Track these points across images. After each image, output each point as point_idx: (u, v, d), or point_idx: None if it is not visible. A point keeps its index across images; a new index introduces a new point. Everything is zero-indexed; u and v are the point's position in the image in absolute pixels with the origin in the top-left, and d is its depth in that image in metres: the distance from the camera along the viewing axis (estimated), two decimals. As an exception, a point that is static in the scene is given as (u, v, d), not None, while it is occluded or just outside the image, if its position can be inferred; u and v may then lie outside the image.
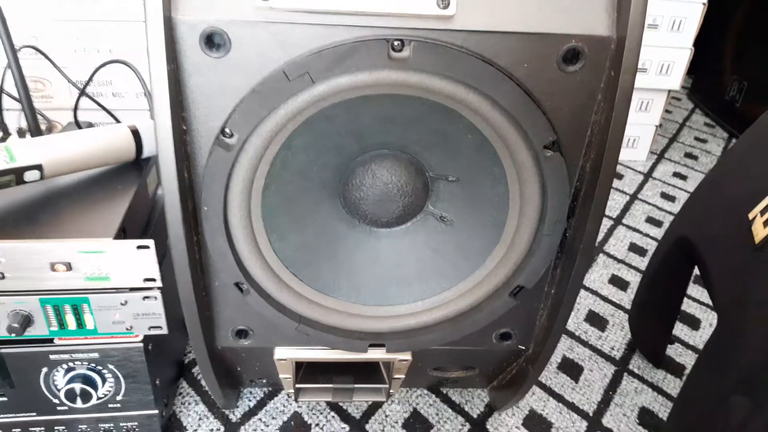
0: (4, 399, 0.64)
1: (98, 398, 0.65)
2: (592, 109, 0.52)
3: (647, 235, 1.23)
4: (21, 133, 0.79)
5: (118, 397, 0.66)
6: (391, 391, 0.71)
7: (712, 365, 0.64)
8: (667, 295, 0.86)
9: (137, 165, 0.70)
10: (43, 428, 0.67)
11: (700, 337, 0.96)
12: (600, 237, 1.21)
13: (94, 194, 0.64)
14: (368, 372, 0.71)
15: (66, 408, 0.66)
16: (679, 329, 0.98)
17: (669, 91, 1.42)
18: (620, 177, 1.45)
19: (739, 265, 0.62)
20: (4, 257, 0.56)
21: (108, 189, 0.65)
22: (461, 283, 0.61)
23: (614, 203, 1.34)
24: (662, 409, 0.83)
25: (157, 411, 0.68)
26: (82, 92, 0.85)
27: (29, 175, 0.59)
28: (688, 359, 0.92)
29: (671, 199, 1.38)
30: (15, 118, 0.84)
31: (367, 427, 0.77)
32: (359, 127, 0.54)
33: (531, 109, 0.50)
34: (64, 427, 0.68)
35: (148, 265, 0.58)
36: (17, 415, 0.66)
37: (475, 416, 0.80)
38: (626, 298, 1.04)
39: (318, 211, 0.58)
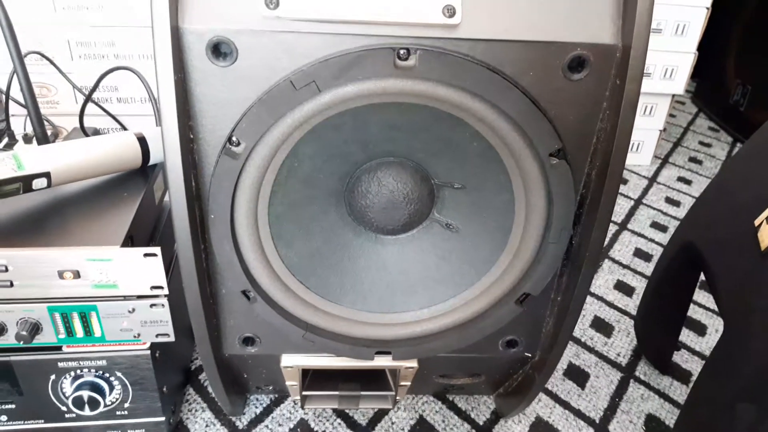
0: (13, 406, 0.65)
1: (106, 405, 0.65)
2: (598, 117, 0.52)
3: (652, 240, 1.23)
4: (27, 139, 0.80)
5: (126, 405, 0.66)
6: (397, 398, 0.71)
7: (719, 372, 0.64)
8: (672, 301, 0.86)
9: (144, 172, 0.70)
10: (50, 435, 0.68)
11: (706, 344, 0.96)
12: (605, 242, 1.21)
13: (101, 202, 0.64)
14: (374, 379, 0.71)
15: (74, 415, 0.66)
16: (686, 335, 0.97)
17: (673, 95, 1.42)
18: (625, 182, 1.45)
19: (745, 271, 0.62)
20: (12, 265, 0.56)
21: (115, 196, 0.65)
22: (467, 291, 0.61)
23: (619, 208, 1.34)
24: (669, 416, 0.82)
25: (164, 418, 0.68)
26: (88, 98, 0.85)
27: (37, 183, 0.59)
28: (694, 366, 0.91)
29: (676, 203, 1.37)
30: (20, 124, 0.84)
31: (373, 433, 0.77)
32: (365, 135, 0.54)
33: (536, 117, 0.50)
34: (71, 435, 0.68)
35: (156, 273, 0.58)
36: (26, 422, 0.66)
37: (481, 423, 0.80)
38: (632, 304, 1.04)
39: (324, 218, 0.58)
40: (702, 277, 0.75)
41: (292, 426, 0.77)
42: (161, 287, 0.59)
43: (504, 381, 0.75)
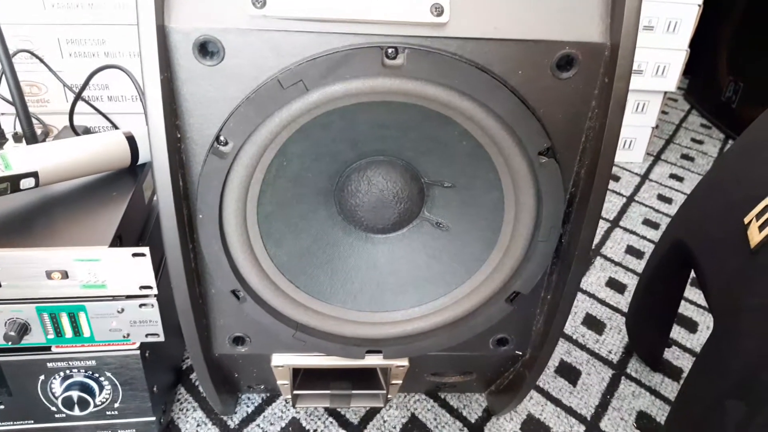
0: (2, 407, 0.64)
1: (96, 406, 0.65)
2: (587, 116, 0.52)
3: (644, 238, 1.23)
4: (17, 138, 0.79)
5: (116, 405, 0.66)
6: (388, 396, 0.71)
7: (709, 369, 0.64)
8: (663, 298, 0.86)
9: (133, 171, 0.70)
10: (40, 436, 0.67)
11: (697, 340, 0.96)
12: (597, 239, 1.21)
13: (90, 201, 0.64)
14: (366, 378, 0.71)
15: (64, 416, 0.66)
16: (677, 332, 0.98)
17: (665, 92, 1.42)
18: (617, 179, 1.46)
19: (734, 269, 0.62)
20: (-1, 266, 0.56)
21: (103, 196, 0.65)
22: (457, 289, 0.61)
23: (611, 205, 1.34)
24: (660, 412, 0.83)
25: (154, 418, 0.68)
26: (78, 96, 0.84)
27: (25, 183, 0.59)
28: (685, 362, 0.92)
29: (668, 200, 1.38)
30: (10, 123, 0.84)
31: (365, 432, 0.77)
32: (354, 133, 0.54)
33: (525, 115, 0.50)
34: (61, 435, 0.68)
35: (144, 273, 0.58)
36: (15, 423, 0.66)
37: (473, 421, 0.80)
38: (623, 301, 1.04)
39: (314, 217, 0.58)
40: (693, 274, 0.76)
41: (283, 425, 0.77)
42: (150, 287, 0.59)
43: (495, 379, 0.75)
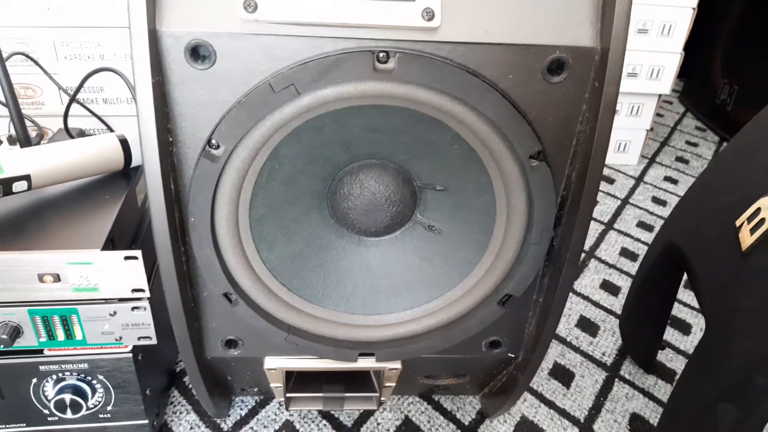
0: (-7, 410, 0.64)
1: (88, 409, 0.65)
2: (577, 120, 0.52)
3: (638, 240, 1.23)
4: (12, 141, 0.79)
5: (109, 408, 0.66)
6: (382, 399, 0.71)
7: (701, 372, 0.64)
8: (657, 300, 0.86)
9: (126, 174, 0.70)
10: (32, 439, 0.67)
11: (690, 342, 0.96)
12: (591, 242, 1.21)
13: (83, 204, 0.64)
14: (359, 380, 0.71)
15: (56, 419, 0.66)
16: (670, 334, 0.98)
17: (659, 95, 1.43)
18: (611, 181, 1.46)
19: (726, 272, 0.63)
20: (-9, 269, 0.56)
21: (96, 199, 0.65)
22: (450, 292, 0.61)
23: (605, 208, 1.34)
24: (653, 415, 0.83)
25: (147, 421, 0.68)
26: (72, 99, 0.84)
27: (17, 186, 0.59)
28: (678, 364, 0.92)
29: (662, 203, 1.38)
30: (5, 126, 0.84)
31: (359, 434, 0.77)
32: (346, 137, 0.54)
33: (516, 119, 0.50)
34: (53, 438, 0.67)
35: (137, 276, 0.58)
36: (7, 426, 0.66)
37: (466, 423, 0.80)
38: (617, 304, 1.04)
39: (306, 220, 0.58)
40: (686, 276, 0.76)
41: (277, 428, 0.77)
42: (143, 290, 0.59)
43: (489, 381, 0.75)
